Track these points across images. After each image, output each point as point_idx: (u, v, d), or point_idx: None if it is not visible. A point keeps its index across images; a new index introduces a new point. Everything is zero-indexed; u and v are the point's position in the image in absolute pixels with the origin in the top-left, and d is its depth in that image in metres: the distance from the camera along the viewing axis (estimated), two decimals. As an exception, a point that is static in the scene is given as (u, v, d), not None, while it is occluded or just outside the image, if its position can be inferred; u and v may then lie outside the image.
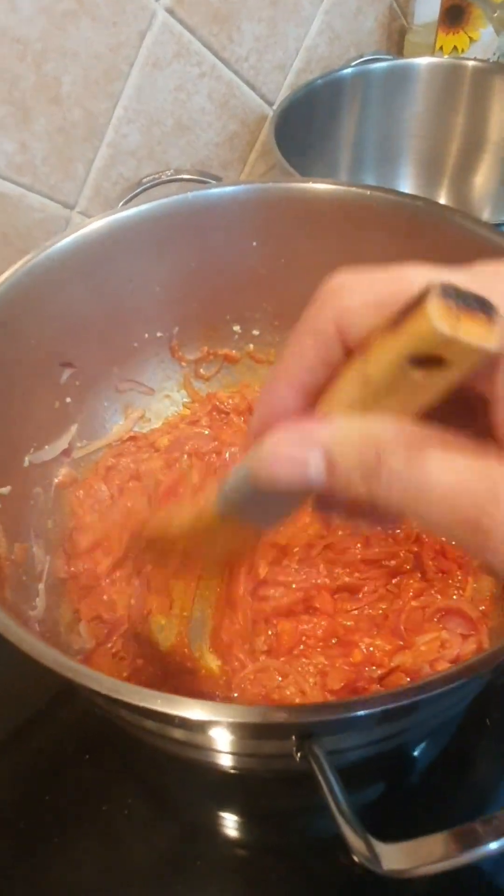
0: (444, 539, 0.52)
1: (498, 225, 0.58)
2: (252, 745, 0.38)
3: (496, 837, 0.28)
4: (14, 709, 0.53)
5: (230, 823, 0.49)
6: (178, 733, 0.37)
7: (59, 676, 0.32)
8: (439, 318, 0.19)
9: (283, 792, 0.50)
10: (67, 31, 0.66)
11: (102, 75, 0.71)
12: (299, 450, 0.23)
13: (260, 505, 0.28)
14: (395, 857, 0.28)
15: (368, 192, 0.55)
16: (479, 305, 0.20)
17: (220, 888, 0.45)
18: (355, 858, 0.28)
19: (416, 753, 0.51)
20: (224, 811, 0.49)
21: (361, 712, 0.29)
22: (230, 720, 0.30)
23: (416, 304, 0.20)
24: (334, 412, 0.23)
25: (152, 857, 0.46)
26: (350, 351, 0.23)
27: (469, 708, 0.52)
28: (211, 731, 0.34)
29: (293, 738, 0.32)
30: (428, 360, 0.20)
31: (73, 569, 0.53)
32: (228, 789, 0.50)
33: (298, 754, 0.32)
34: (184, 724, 0.32)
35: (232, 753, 0.39)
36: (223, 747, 0.38)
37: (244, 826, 0.49)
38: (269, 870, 0.46)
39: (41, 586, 0.50)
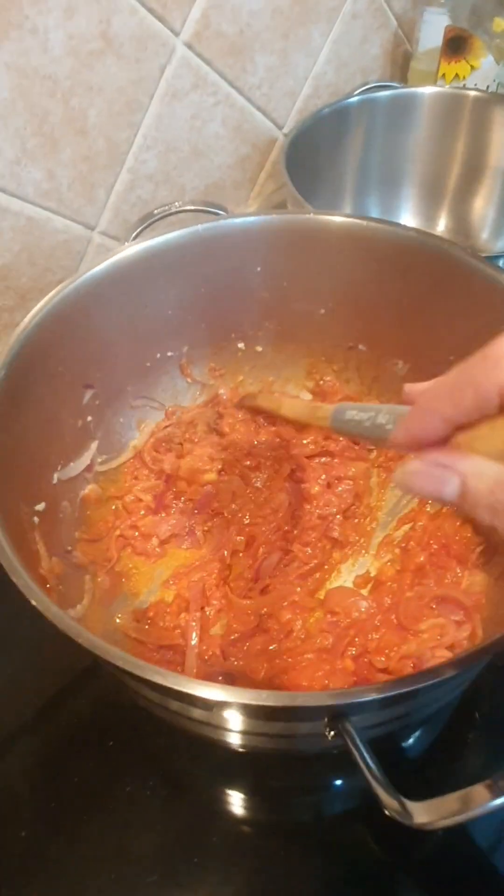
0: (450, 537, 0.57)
1: (494, 258, 0.63)
2: (290, 727, 0.43)
3: (498, 795, 0.33)
4: (35, 696, 0.58)
5: (242, 803, 0.53)
6: (208, 717, 0.42)
7: (104, 663, 0.36)
8: None
9: (292, 772, 0.55)
10: (94, 68, 0.71)
11: (125, 107, 0.76)
12: (443, 472, 0.29)
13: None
14: (423, 813, 0.33)
15: (365, 223, 0.59)
16: None
17: (232, 865, 0.50)
18: (389, 814, 0.34)
19: (410, 742, 0.55)
20: (236, 791, 0.54)
21: (392, 692, 0.34)
22: (277, 705, 0.35)
23: None
24: (475, 452, 0.29)
25: (169, 836, 0.51)
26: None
27: (460, 702, 0.56)
28: (251, 716, 0.39)
29: (326, 718, 0.37)
30: None
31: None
32: (243, 771, 0.55)
33: (332, 733, 0.37)
34: (237, 710, 0.37)
35: (266, 735, 0.45)
36: (258, 729, 0.43)
37: (256, 805, 0.53)
38: (279, 847, 0.50)
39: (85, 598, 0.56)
